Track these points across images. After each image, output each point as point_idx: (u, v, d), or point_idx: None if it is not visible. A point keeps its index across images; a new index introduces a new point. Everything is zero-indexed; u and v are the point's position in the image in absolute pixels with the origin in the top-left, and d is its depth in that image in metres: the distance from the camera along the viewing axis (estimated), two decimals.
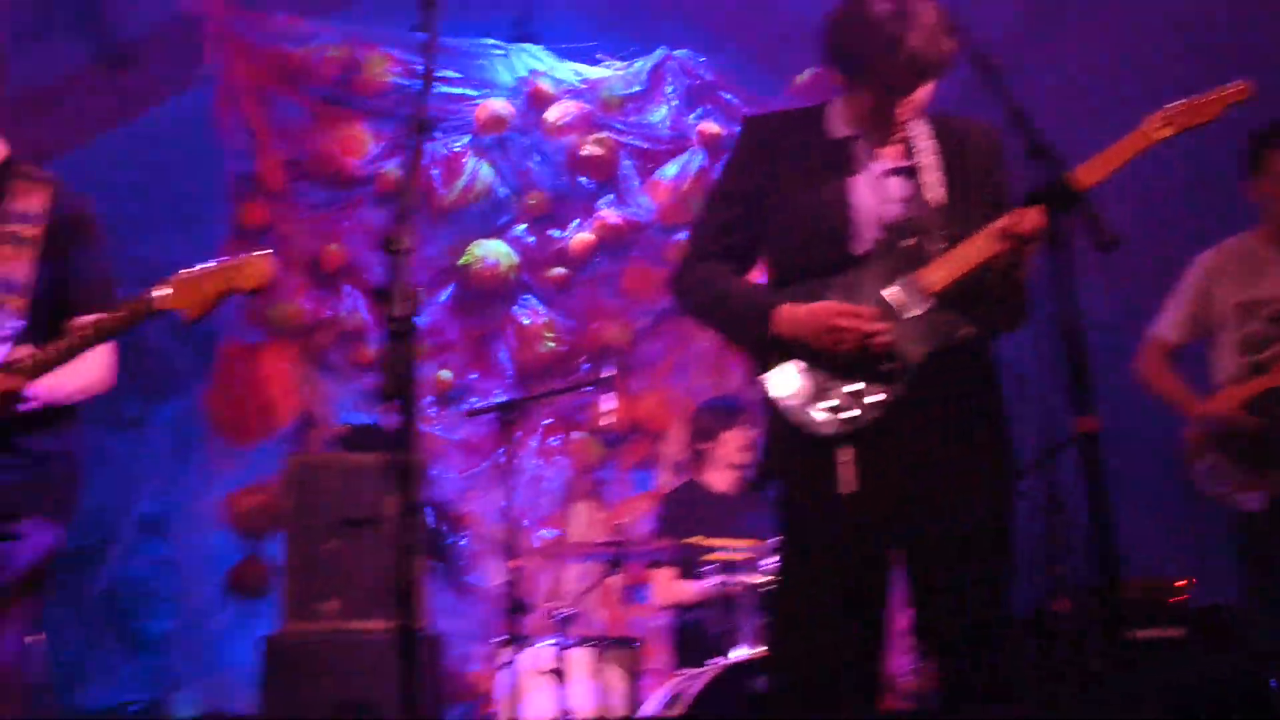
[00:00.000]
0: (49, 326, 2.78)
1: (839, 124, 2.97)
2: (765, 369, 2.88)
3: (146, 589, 6.57)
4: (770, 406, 2.89)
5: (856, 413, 2.74)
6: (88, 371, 2.75)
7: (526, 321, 6.56)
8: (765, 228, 2.99)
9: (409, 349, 2.06)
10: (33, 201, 2.76)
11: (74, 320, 2.75)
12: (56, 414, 2.81)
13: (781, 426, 2.86)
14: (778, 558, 2.96)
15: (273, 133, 6.34)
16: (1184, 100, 2.76)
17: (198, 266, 2.51)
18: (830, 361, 2.78)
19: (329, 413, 6.27)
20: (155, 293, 2.54)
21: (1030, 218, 2.60)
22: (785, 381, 2.84)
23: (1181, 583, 5.58)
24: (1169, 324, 4.37)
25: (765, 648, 4.09)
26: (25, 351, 2.60)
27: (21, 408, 2.58)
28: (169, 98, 6.38)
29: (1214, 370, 4.27)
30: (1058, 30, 6.46)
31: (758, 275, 3.09)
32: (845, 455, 2.73)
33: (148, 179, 6.35)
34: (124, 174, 6.24)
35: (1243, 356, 4.13)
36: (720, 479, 5.50)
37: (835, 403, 2.77)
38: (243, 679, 5.74)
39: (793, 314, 2.81)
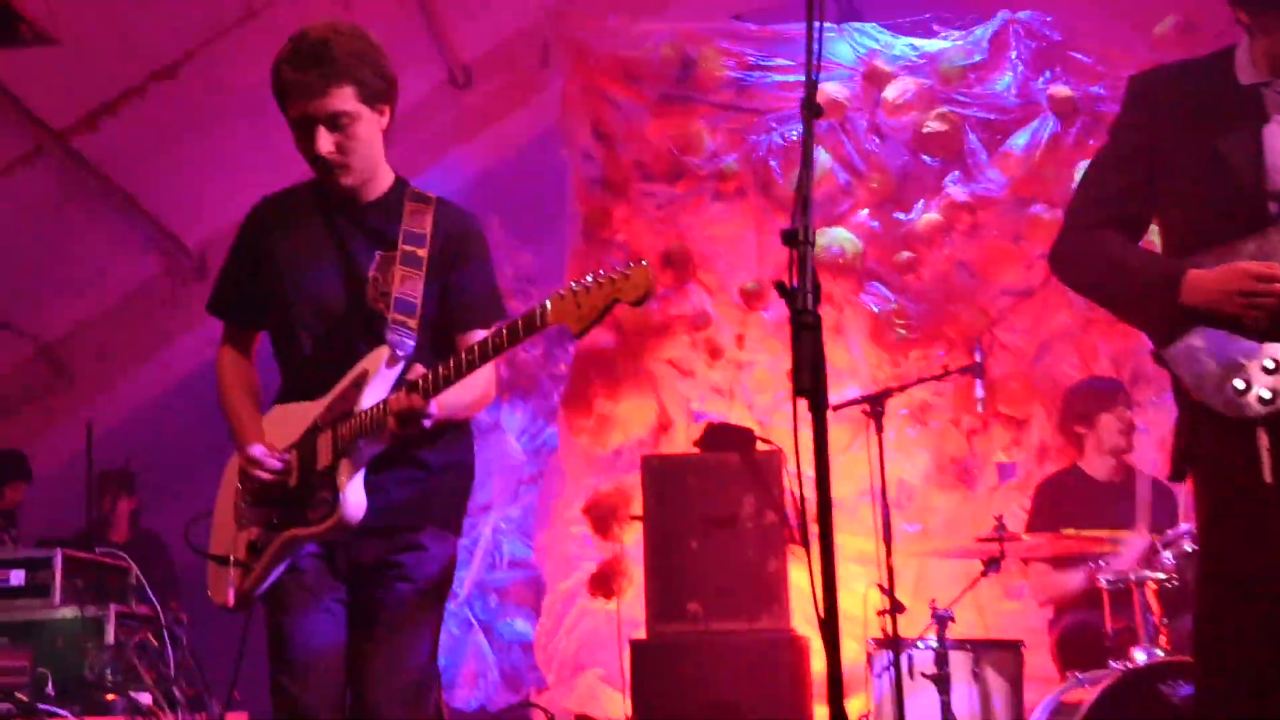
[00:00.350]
0: (437, 344, 2.84)
1: (1247, 69, 2.66)
2: (1169, 343, 2.62)
3: (508, 590, 6.74)
4: (1179, 386, 2.64)
5: (1269, 392, 2.47)
6: (474, 386, 2.77)
7: (876, 309, 6.41)
8: (1162, 192, 2.73)
9: (818, 342, 1.96)
10: (423, 222, 2.83)
11: (463, 338, 2.80)
12: (454, 426, 2.86)
13: (1193, 408, 2.60)
14: (1182, 549, 2.69)
15: (617, 134, 6.48)
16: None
17: (584, 279, 2.50)
18: (1245, 330, 2.51)
19: (684, 412, 6.32)
20: (543, 308, 2.53)
21: None
22: (1193, 357, 2.57)
23: None
24: None
25: (1184, 652, 3.79)
26: (420, 371, 2.65)
27: (425, 424, 2.62)
28: (511, 112, 6.69)
29: None
30: None
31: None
32: (1262, 441, 2.47)
33: (498, 188, 6.59)
34: (473, 188, 6.51)
35: None
36: (1100, 465, 5.21)
37: (1243, 383, 2.50)
38: (608, 681, 5.96)
39: (1201, 279, 2.55)
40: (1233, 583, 2.57)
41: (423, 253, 2.80)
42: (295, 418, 2.80)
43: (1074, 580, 4.88)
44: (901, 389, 5.02)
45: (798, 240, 2.02)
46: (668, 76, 6.46)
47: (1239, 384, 2.51)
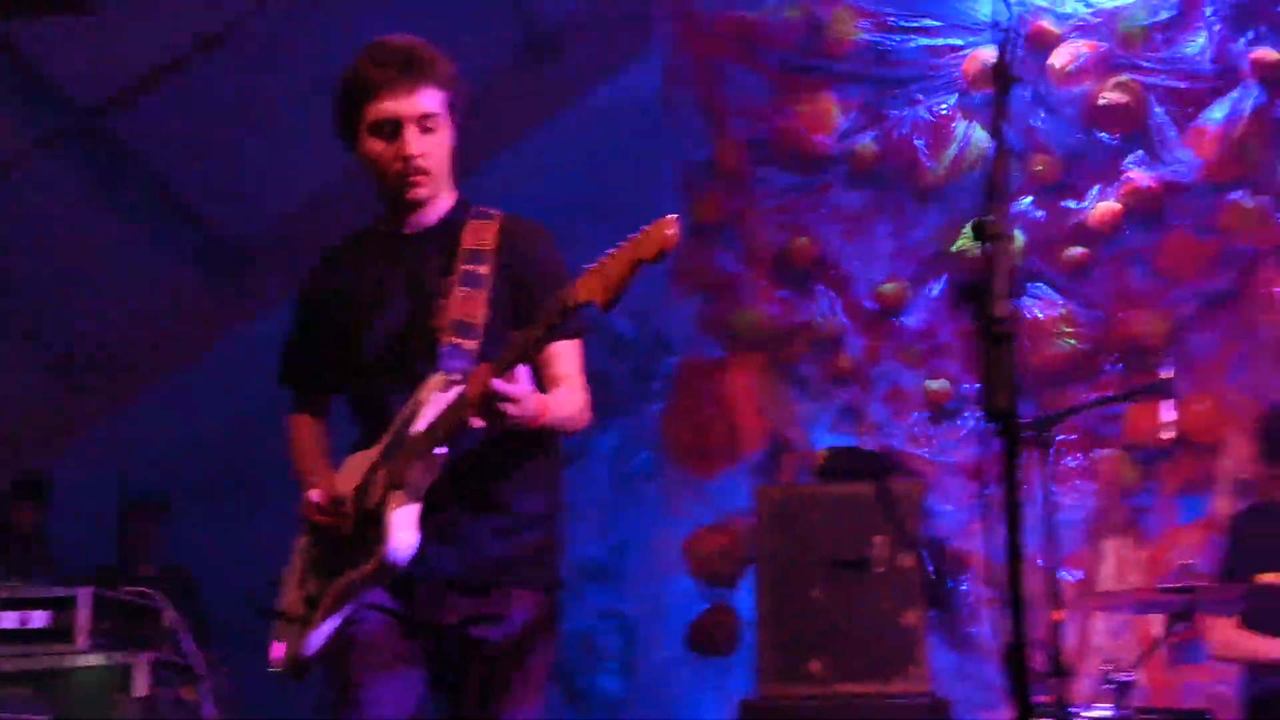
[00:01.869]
0: None
1: None
2: None
3: (593, 643, 6.51)
4: None
5: None
6: (570, 400, 2.80)
7: (1039, 315, 5.87)
8: None
9: (1012, 358, 1.90)
10: (486, 238, 2.87)
11: (545, 355, 2.78)
12: (545, 470, 2.89)
13: None
14: None
15: (730, 111, 6.15)
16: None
17: (599, 258, 2.47)
18: None
19: (804, 435, 5.99)
20: (571, 286, 2.48)
21: None
22: None
23: None
24: None
25: None
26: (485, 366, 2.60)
27: (514, 412, 2.55)
28: (598, 86, 6.38)
29: None
30: None
31: None
32: None
33: (583, 177, 6.30)
34: (556, 174, 6.24)
35: None
36: None
37: None
38: None
39: None
40: None
41: (484, 270, 2.83)
42: (362, 462, 2.79)
43: (1269, 650, 4.42)
44: (1076, 410, 4.76)
45: (990, 234, 2.01)
46: (792, 42, 6.11)
47: None
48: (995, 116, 2.10)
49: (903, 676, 4.56)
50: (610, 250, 2.44)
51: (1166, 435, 5.25)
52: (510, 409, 2.53)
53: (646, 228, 2.42)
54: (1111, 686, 4.16)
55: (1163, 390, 4.86)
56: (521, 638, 2.76)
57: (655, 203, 6.02)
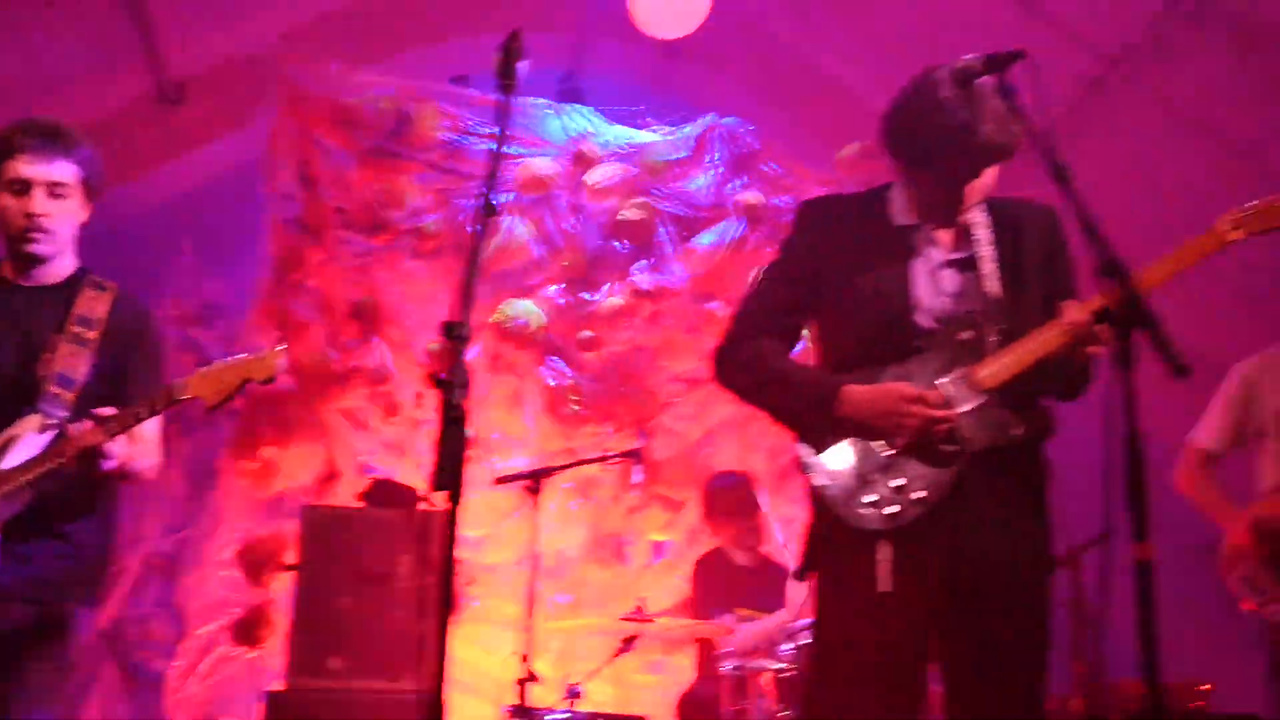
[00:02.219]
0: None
1: (901, 211, 2.94)
2: (817, 452, 2.82)
3: (148, 627, 6.41)
4: (815, 495, 2.84)
5: (898, 508, 2.69)
6: (148, 455, 3.07)
7: (553, 383, 6.50)
8: (820, 312, 2.96)
9: (462, 437, 2.08)
10: (96, 307, 3.10)
11: (99, 410, 2.94)
12: (102, 500, 3.12)
13: (824, 515, 2.82)
14: (801, 644, 2.90)
15: (322, 178, 6.32)
16: (1259, 201, 2.71)
17: (217, 362, 2.85)
18: (889, 443, 2.74)
19: (352, 464, 6.21)
20: (185, 382, 2.84)
21: (1088, 309, 2.56)
22: (831, 470, 2.79)
23: (1203, 687, 5.52)
24: (1208, 433, 4.28)
25: None
26: (109, 411, 2.86)
27: (107, 467, 2.85)
28: (220, 137, 6.41)
29: (1255, 479, 4.17)
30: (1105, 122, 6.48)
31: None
32: (884, 553, 2.68)
33: (194, 215, 6.39)
34: (171, 209, 6.32)
35: None
36: (738, 554, 5.53)
37: (877, 496, 2.71)
38: None
39: (856, 394, 2.77)
40: (839, 681, 2.77)
41: (92, 335, 3.06)
42: None
43: (764, 628, 4.95)
44: (562, 469, 5.19)
45: (454, 334, 2.15)
46: (382, 129, 6.36)
47: (869, 498, 2.72)
48: (473, 244, 2.24)
49: (412, 675, 4.68)
50: (228, 359, 2.80)
51: (632, 492, 5.97)
52: (106, 464, 2.87)
53: (262, 353, 2.81)
54: (566, 694, 4.66)
55: (633, 456, 5.42)
56: (70, 651, 3.01)
57: (251, 246, 6.30)
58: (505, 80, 2.44)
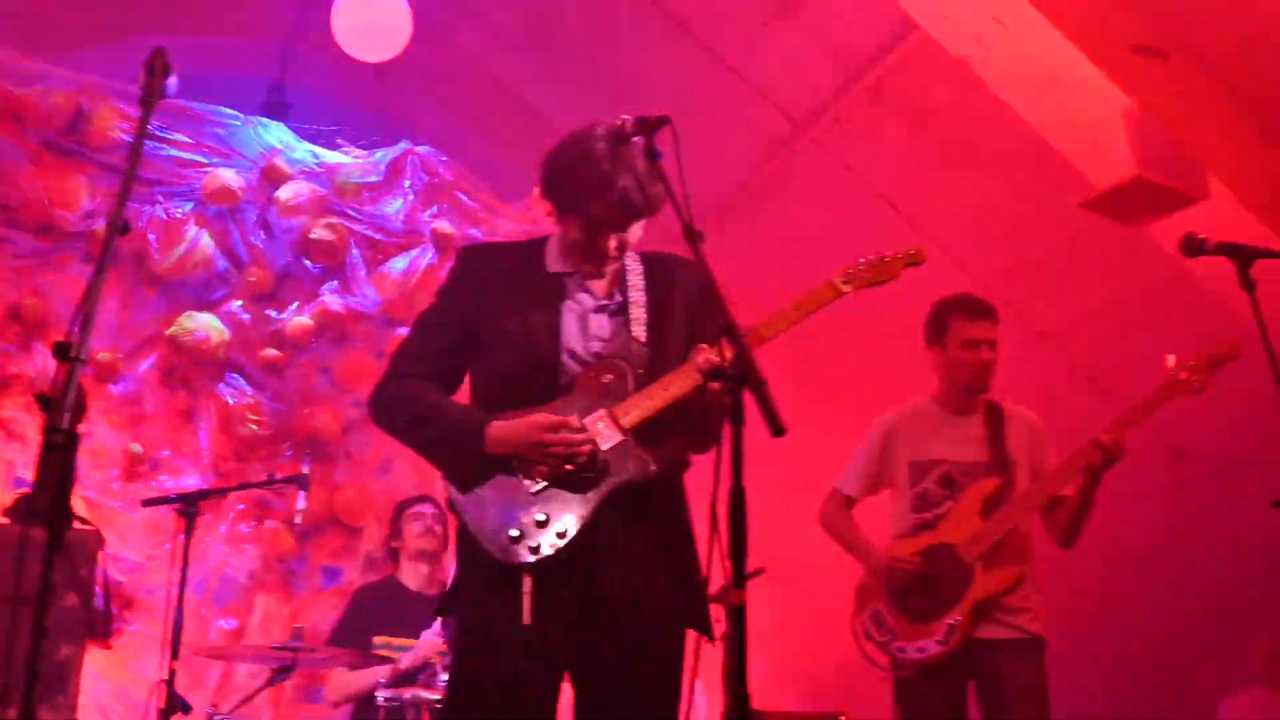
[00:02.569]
0: None
1: (555, 258, 3.09)
2: (463, 492, 2.92)
3: None
4: (462, 531, 2.94)
5: (537, 542, 2.81)
6: None
7: (231, 401, 6.37)
8: (475, 356, 3.06)
9: (69, 462, 2.05)
10: None
11: None
12: None
13: (471, 550, 2.91)
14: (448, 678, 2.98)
15: None
16: (868, 258, 3.08)
17: None
18: (533, 475, 2.86)
19: (4, 477, 5.90)
20: None
21: (709, 361, 2.76)
22: (477, 507, 2.89)
23: (841, 718, 5.94)
24: (851, 479, 4.60)
25: None
26: None
27: None
28: None
29: (891, 521, 4.50)
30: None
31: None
32: (525, 586, 2.79)
33: None
34: None
35: (914, 514, 4.38)
36: (413, 575, 5.54)
37: (520, 532, 2.83)
38: None
39: (501, 430, 2.88)
40: (472, 704, 2.86)
41: None
42: None
43: (367, 680, 5.04)
44: (221, 492, 5.16)
45: (66, 355, 2.13)
46: (56, 124, 6.07)
47: (514, 533, 2.83)
48: (100, 258, 2.20)
49: (49, 705, 4.38)
50: None
51: (299, 519, 5.88)
52: None
53: None
54: None
55: (299, 482, 5.41)
56: None
57: None
58: (148, 97, 2.44)
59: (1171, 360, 3.59)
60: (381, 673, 4.92)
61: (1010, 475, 4.30)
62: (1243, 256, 3.06)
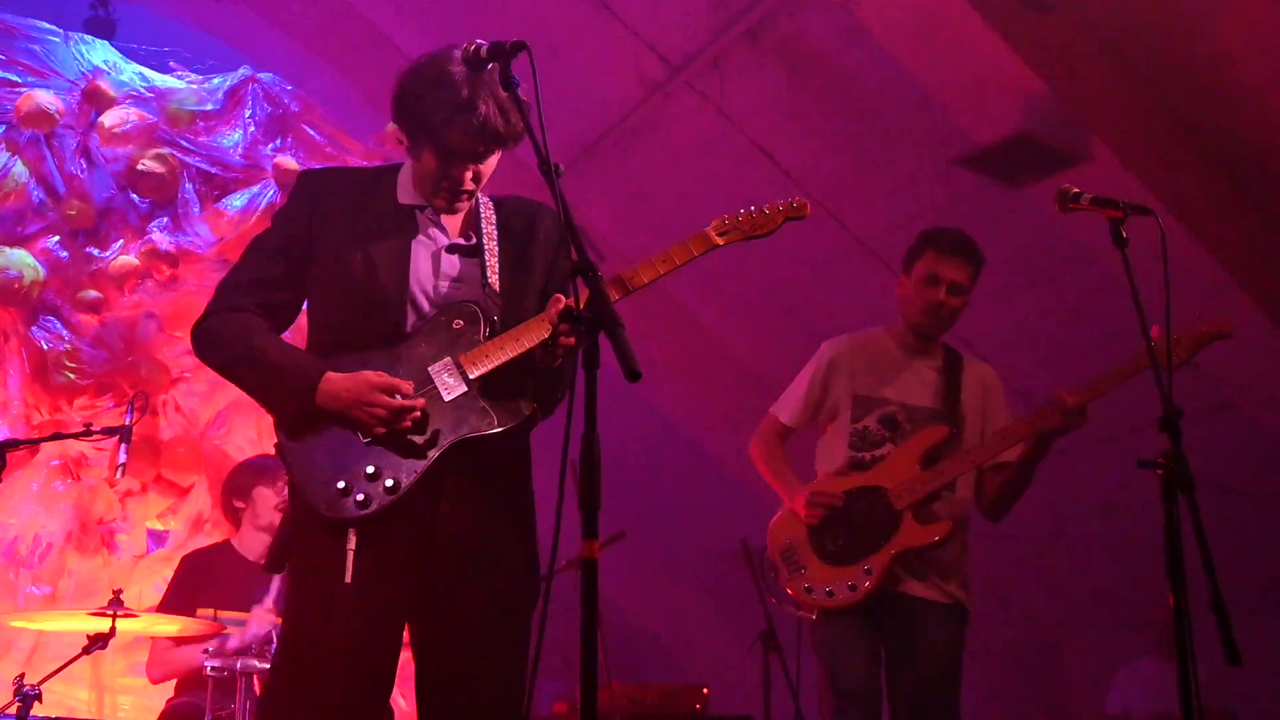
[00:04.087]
0: None
1: (407, 190, 3.06)
2: (293, 439, 2.90)
3: None
4: (290, 484, 2.92)
5: (365, 496, 2.81)
6: None
7: (46, 346, 6.19)
8: (312, 288, 3.02)
9: None
10: None
11: None
12: None
13: (300, 504, 2.90)
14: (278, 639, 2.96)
15: None
16: (746, 209, 3.08)
17: None
18: (360, 434, 2.85)
19: None
20: None
21: (561, 305, 2.76)
22: (306, 457, 2.87)
23: (704, 690, 6.06)
24: (789, 406, 4.41)
25: None
26: None
27: None
28: None
29: (819, 459, 4.38)
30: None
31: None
32: (351, 542, 2.79)
33: None
34: None
35: (850, 450, 4.24)
36: (252, 544, 5.39)
37: (347, 484, 2.82)
38: None
39: (334, 383, 2.85)
40: (304, 672, 2.84)
41: None
42: None
43: (193, 657, 4.92)
44: (27, 444, 4.90)
45: None
46: None
47: (341, 485, 2.81)
48: None
49: None
50: None
51: (121, 475, 5.32)
52: None
53: None
54: (19, 697, 4.27)
55: (122, 434, 4.92)
56: None
57: None
58: None
59: (1155, 331, 3.54)
60: (209, 646, 4.80)
61: (960, 428, 4.23)
62: (1116, 212, 3.17)
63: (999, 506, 4.27)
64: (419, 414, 2.85)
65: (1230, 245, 5.65)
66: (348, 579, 2.77)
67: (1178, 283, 3.14)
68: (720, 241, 3.06)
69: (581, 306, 2.39)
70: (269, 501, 5.33)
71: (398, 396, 2.85)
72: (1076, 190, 3.25)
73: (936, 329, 4.29)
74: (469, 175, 2.96)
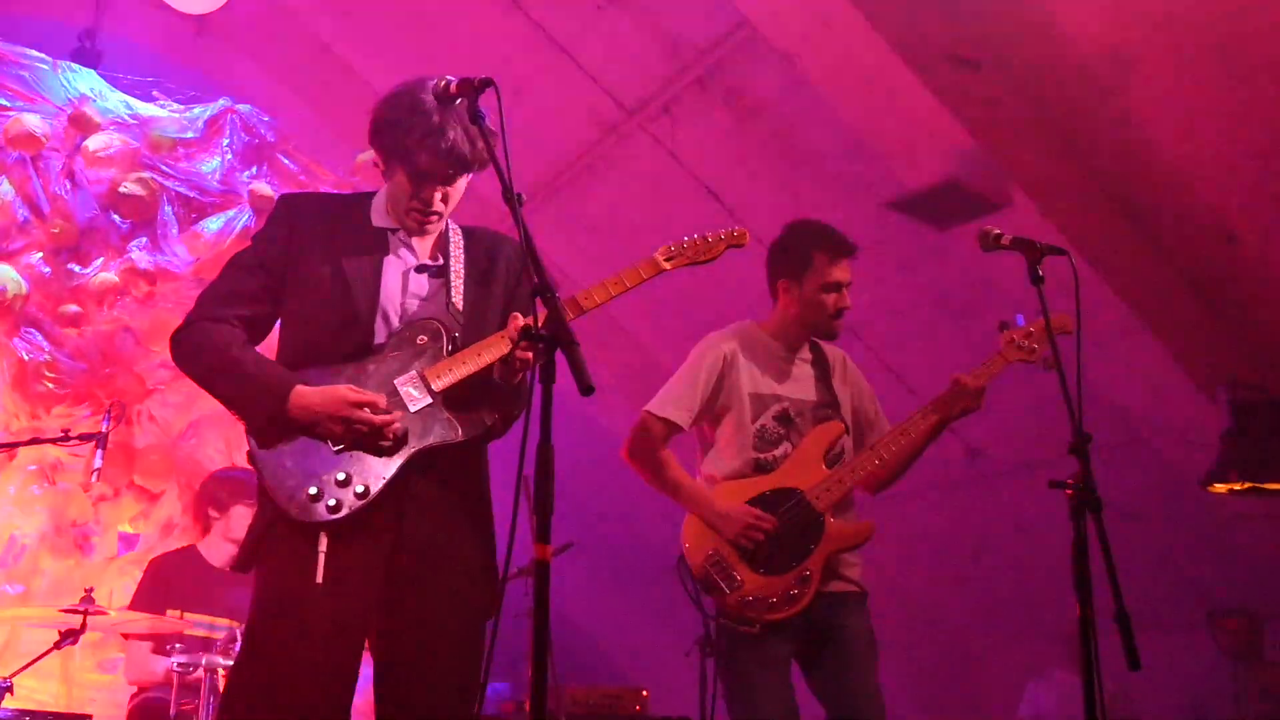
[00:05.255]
0: None
1: (380, 214, 3.07)
2: (264, 446, 2.88)
3: None
4: (261, 489, 2.90)
5: (335, 501, 2.80)
6: None
7: (26, 356, 6.13)
8: (287, 304, 3.01)
9: None
10: None
11: None
12: None
13: (267, 510, 2.87)
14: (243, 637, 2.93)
15: None
16: (690, 237, 3.10)
17: None
18: (330, 442, 2.84)
19: None
20: None
21: (520, 322, 2.78)
22: (277, 464, 2.85)
23: (643, 693, 6.05)
24: (678, 405, 3.99)
25: None
26: None
27: None
28: None
29: (711, 460, 4.07)
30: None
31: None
32: (322, 544, 2.78)
33: None
34: None
35: (752, 452, 3.96)
36: (219, 552, 5.35)
37: (318, 490, 2.81)
38: None
39: (306, 396, 2.84)
40: (269, 672, 2.80)
41: None
42: None
43: (163, 665, 4.78)
44: (7, 446, 4.92)
45: None
46: None
47: (313, 490, 2.80)
48: None
49: None
50: None
51: (91, 480, 5.23)
52: None
53: None
54: None
55: (98, 440, 4.96)
56: None
57: None
58: None
59: (1006, 335, 3.64)
60: (170, 664, 4.62)
61: (841, 418, 4.06)
62: (1033, 252, 3.22)
63: (885, 486, 4.08)
64: (399, 427, 2.86)
65: (1136, 287, 5.75)
66: (319, 579, 2.75)
67: (1087, 322, 3.20)
68: (667, 266, 3.10)
69: (540, 325, 2.41)
70: (244, 520, 5.19)
71: (368, 410, 2.84)
72: (998, 232, 3.30)
73: (837, 330, 4.10)
74: (438, 196, 2.99)
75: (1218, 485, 5.80)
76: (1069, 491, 2.97)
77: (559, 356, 2.38)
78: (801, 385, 4.08)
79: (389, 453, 2.86)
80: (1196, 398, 5.92)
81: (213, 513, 5.38)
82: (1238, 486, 5.76)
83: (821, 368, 4.15)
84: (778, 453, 3.97)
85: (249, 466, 5.51)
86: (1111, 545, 2.87)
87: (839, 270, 4.05)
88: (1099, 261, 5.59)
